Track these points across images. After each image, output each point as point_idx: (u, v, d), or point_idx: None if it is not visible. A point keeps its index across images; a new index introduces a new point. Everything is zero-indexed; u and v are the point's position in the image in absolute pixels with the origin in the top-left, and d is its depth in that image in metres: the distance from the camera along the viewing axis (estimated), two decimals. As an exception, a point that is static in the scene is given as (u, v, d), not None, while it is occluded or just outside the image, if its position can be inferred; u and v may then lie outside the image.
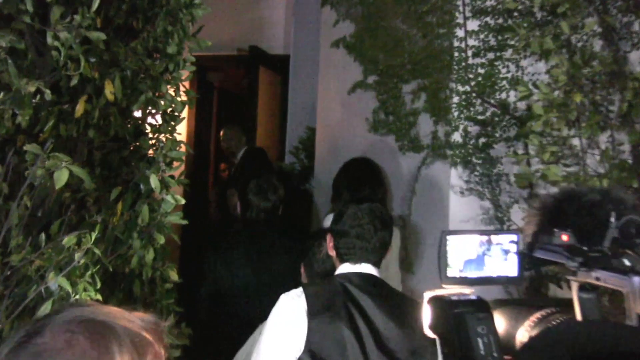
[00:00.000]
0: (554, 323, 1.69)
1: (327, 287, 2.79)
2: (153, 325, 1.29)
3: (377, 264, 2.87)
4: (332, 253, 2.95)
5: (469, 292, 1.73)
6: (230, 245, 4.02)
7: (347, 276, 2.80)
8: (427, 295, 1.76)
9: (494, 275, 1.81)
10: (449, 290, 1.74)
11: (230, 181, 7.03)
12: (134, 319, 1.27)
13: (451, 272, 1.78)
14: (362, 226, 2.85)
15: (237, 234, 4.27)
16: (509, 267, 1.81)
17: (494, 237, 1.81)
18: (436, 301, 1.73)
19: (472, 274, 1.79)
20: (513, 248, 1.81)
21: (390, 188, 4.63)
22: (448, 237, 1.79)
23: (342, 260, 2.88)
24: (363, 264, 2.84)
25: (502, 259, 1.81)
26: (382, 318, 2.70)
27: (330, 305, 2.68)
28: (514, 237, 1.83)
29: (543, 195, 2.22)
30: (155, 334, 1.28)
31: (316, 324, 2.62)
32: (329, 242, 2.96)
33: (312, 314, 2.63)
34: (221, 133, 7.29)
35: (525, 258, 1.77)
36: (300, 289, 2.74)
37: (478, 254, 1.79)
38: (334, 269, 2.93)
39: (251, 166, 6.65)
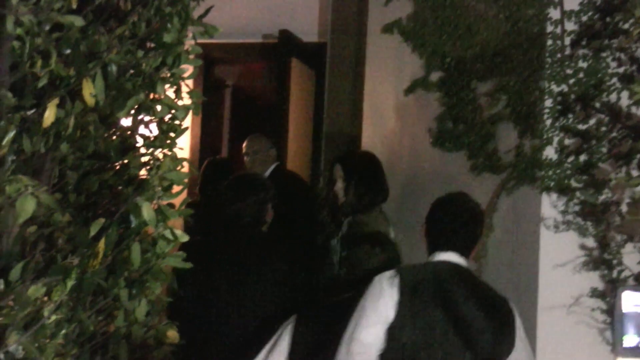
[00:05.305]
0: None
1: (421, 271, 3.71)
2: None
3: (464, 253, 3.72)
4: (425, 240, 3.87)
5: None
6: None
7: (436, 264, 3.70)
8: None
9: None
10: None
11: None
12: None
13: (630, 340, 1.71)
14: (452, 216, 3.75)
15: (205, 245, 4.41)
16: None
17: None
18: None
19: None
20: None
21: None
22: (624, 295, 1.73)
23: (432, 248, 3.76)
24: (450, 253, 3.69)
25: None
26: (470, 308, 3.57)
27: (423, 288, 3.59)
28: None
29: None
30: None
31: (407, 303, 3.53)
32: (423, 230, 3.86)
33: (404, 293, 3.54)
34: (244, 144, 7.25)
35: None
36: (394, 271, 3.65)
37: None
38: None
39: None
